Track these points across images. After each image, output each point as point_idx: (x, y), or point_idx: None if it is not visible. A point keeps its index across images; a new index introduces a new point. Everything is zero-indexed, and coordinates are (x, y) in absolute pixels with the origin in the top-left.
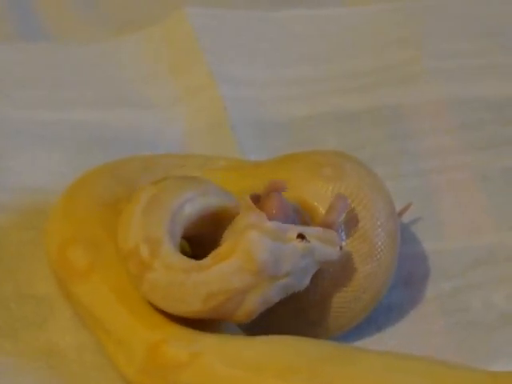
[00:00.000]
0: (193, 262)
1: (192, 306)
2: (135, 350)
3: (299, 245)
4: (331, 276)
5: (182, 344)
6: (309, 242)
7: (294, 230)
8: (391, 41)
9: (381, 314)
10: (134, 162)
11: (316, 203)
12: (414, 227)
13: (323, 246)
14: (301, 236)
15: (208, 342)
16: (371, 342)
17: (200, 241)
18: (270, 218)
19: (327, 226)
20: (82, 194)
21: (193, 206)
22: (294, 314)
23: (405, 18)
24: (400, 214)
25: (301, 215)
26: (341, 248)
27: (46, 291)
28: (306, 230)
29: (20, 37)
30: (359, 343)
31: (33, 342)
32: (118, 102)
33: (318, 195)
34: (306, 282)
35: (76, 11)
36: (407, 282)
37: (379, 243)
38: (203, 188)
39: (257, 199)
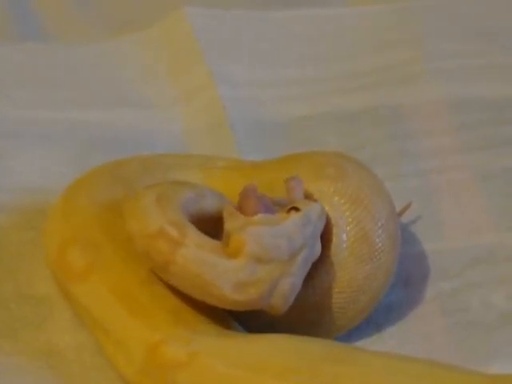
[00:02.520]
0: (218, 244)
1: (222, 290)
2: (134, 351)
3: (295, 216)
4: (330, 277)
5: (180, 344)
6: (301, 211)
7: (282, 209)
8: (391, 41)
9: (381, 314)
10: (134, 162)
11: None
12: (414, 227)
13: (311, 206)
14: (292, 209)
15: (207, 342)
16: (371, 342)
17: None
18: (253, 215)
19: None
20: (82, 194)
21: (194, 204)
22: (293, 314)
23: (405, 18)
24: (400, 213)
25: (281, 206)
26: (319, 204)
27: (45, 291)
28: (292, 203)
29: (20, 37)
30: (359, 343)
31: (32, 342)
32: (117, 102)
33: (320, 195)
34: (318, 248)
35: (76, 11)
36: (407, 282)
37: (379, 244)
38: (199, 190)
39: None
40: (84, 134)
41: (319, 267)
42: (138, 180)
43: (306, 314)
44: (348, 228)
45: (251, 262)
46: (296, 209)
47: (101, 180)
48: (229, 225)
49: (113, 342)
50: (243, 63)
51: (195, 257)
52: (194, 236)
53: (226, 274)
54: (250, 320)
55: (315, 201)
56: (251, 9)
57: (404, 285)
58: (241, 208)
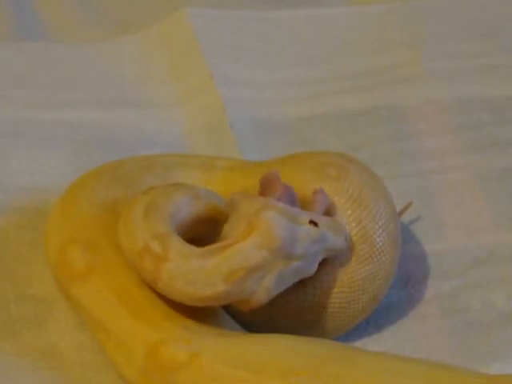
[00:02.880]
0: (204, 249)
1: (215, 287)
2: (135, 351)
3: (312, 229)
4: (331, 277)
5: (181, 344)
6: (320, 228)
7: (306, 215)
8: (391, 41)
9: (380, 314)
10: (134, 162)
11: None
12: (414, 227)
13: (332, 234)
14: (313, 222)
15: (208, 343)
16: (371, 342)
17: (193, 243)
18: (277, 199)
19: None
20: (82, 194)
21: (187, 208)
22: (293, 314)
23: (405, 19)
24: (400, 213)
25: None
26: (346, 238)
27: (45, 291)
28: (317, 217)
29: (20, 37)
30: (359, 343)
31: (33, 342)
32: (117, 101)
33: None
34: (314, 268)
35: (76, 11)
36: (407, 282)
37: (380, 244)
38: (194, 192)
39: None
40: (84, 134)
41: (320, 267)
42: (139, 180)
43: (306, 313)
44: (349, 228)
45: (254, 246)
46: (315, 224)
47: (101, 180)
48: (244, 207)
49: (113, 342)
50: (243, 63)
51: (181, 268)
52: (178, 246)
53: (216, 269)
54: (249, 320)
55: (343, 232)
56: (251, 9)
57: (404, 285)
58: (264, 190)
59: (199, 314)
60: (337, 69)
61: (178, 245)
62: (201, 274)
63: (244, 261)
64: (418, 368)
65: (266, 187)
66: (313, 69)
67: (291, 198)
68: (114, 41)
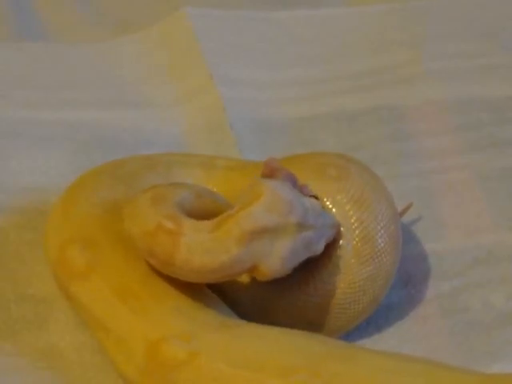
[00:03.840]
0: (215, 220)
1: (229, 252)
2: (135, 349)
3: (316, 201)
4: (332, 277)
5: (181, 342)
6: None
7: (306, 193)
8: (391, 41)
9: (381, 314)
10: (135, 161)
11: (322, 203)
12: (414, 227)
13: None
14: (313, 197)
15: (208, 340)
16: (371, 342)
17: None
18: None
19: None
20: (82, 194)
21: (190, 205)
22: (293, 314)
23: (405, 19)
24: (401, 214)
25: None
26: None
27: (45, 291)
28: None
29: (20, 37)
30: (359, 343)
31: (33, 342)
32: (117, 101)
33: (323, 195)
34: (322, 246)
35: (76, 11)
36: (407, 282)
37: (381, 245)
38: (196, 190)
39: None
40: (84, 134)
41: (321, 268)
42: (140, 179)
43: (306, 314)
44: (352, 228)
45: (263, 209)
46: (315, 198)
47: (101, 180)
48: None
49: (113, 340)
50: (243, 63)
51: (196, 242)
52: (190, 223)
53: (228, 234)
54: (250, 319)
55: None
56: (251, 9)
57: (404, 285)
58: (265, 175)
59: (200, 308)
60: (337, 69)
61: (190, 221)
62: (215, 241)
63: (254, 222)
64: (418, 367)
65: (269, 174)
66: (313, 69)
67: (291, 179)
68: (113, 41)
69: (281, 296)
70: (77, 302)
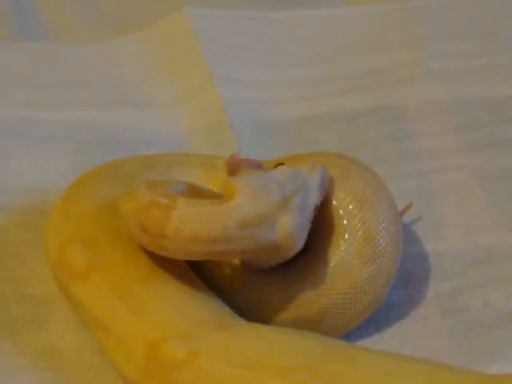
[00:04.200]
0: (210, 200)
1: (225, 227)
2: (135, 349)
3: (282, 167)
4: (333, 277)
5: (181, 342)
6: (288, 165)
7: (269, 166)
8: (391, 41)
9: (381, 314)
10: (135, 161)
11: (323, 202)
12: (414, 227)
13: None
14: (279, 164)
15: (208, 340)
16: (371, 342)
17: None
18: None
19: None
20: (82, 194)
21: (184, 195)
22: (294, 314)
23: (405, 19)
24: (401, 213)
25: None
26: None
27: (45, 291)
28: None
29: (20, 37)
30: (359, 343)
31: (33, 342)
32: (117, 101)
33: (325, 195)
34: (317, 194)
35: (76, 11)
36: (407, 282)
37: (383, 245)
38: (192, 186)
39: None
40: (84, 134)
41: (322, 268)
42: (140, 179)
43: (306, 314)
44: (354, 229)
45: (245, 200)
46: (281, 164)
47: (101, 180)
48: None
49: (113, 340)
50: (243, 63)
51: (190, 213)
52: (185, 200)
53: (225, 215)
54: (250, 319)
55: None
56: (251, 9)
57: (404, 285)
58: (231, 172)
59: (200, 307)
60: (337, 69)
61: (185, 199)
62: (213, 215)
63: (247, 213)
64: (418, 367)
65: (234, 170)
66: (313, 69)
67: (257, 165)
68: (113, 41)
69: (281, 296)
70: (77, 301)
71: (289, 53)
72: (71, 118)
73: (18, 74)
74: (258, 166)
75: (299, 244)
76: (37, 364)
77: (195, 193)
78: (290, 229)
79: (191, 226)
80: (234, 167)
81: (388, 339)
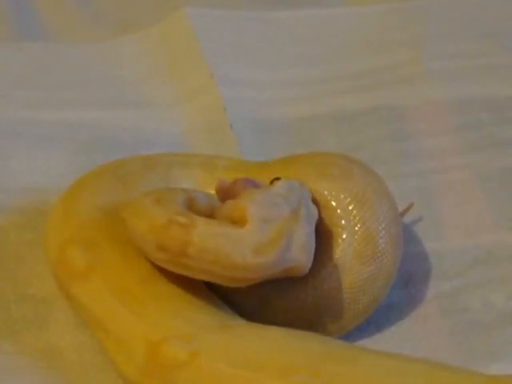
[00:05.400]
0: (226, 222)
1: (244, 257)
2: (135, 349)
3: (280, 182)
4: (333, 277)
5: (181, 343)
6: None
7: (265, 183)
8: (391, 41)
9: (381, 314)
10: (135, 161)
11: (323, 202)
12: (414, 227)
13: (287, 180)
14: (274, 179)
15: (208, 340)
16: (371, 342)
17: None
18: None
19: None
20: (82, 194)
21: (188, 208)
22: (293, 314)
23: (405, 19)
24: (402, 214)
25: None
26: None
27: (45, 291)
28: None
29: (20, 37)
30: (359, 343)
31: (33, 342)
32: (117, 101)
33: (325, 195)
34: (315, 210)
35: (76, 11)
36: (407, 282)
37: (382, 245)
38: (190, 194)
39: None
40: (84, 134)
41: (321, 268)
42: (140, 179)
43: (306, 314)
44: (354, 228)
45: (259, 224)
46: (277, 179)
47: (101, 180)
48: (225, 208)
49: (113, 341)
50: (243, 63)
51: (210, 233)
52: (202, 219)
53: (242, 242)
54: (250, 319)
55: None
56: (251, 9)
57: (404, 285)
58: (231, 195)
59: (200, 308)
60: (337, 69)
61: (201, 218)
62: (229, 241)
63: (264, 236)
64: (418, 367)
65: (226, 196)
66: (313, 69)
67: (254, 184)
68: (113, 41)
69: (280, 296)
70: (77, 302)
71: (289, 53)
72: (71, 118)
73: (18, 74)
74: (253, 183)
75: (311, 257)
76: (37, 364)
77: (192, 202)
78: (306, 244)
79: (213, 246)
80: (225, 193)
81: (388, 339)
